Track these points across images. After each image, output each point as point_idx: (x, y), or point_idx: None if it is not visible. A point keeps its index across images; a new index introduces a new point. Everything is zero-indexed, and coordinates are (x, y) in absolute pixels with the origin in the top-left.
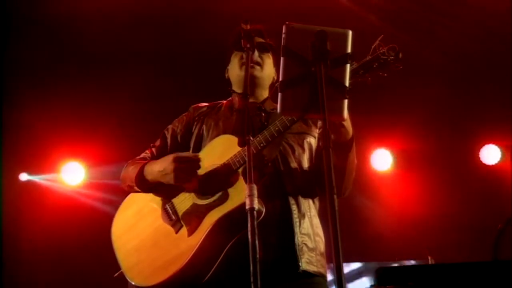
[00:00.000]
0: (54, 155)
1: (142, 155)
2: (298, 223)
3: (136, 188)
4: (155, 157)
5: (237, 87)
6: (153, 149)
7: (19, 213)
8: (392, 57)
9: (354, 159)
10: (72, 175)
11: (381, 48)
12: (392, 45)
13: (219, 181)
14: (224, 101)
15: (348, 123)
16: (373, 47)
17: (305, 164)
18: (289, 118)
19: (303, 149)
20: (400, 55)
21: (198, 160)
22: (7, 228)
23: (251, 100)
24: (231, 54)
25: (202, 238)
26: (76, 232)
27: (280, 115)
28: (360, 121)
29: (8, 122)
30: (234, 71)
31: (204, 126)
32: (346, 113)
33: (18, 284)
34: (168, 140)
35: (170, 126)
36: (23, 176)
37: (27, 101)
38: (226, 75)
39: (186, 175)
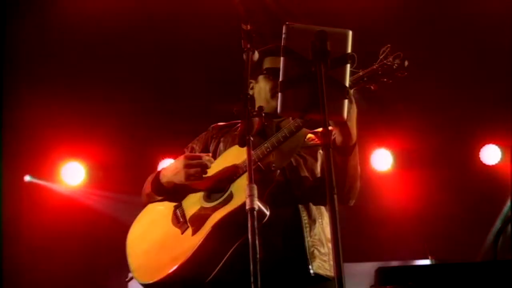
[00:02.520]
0: (54, 155)
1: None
2: (308, 229)
3: (152, 193)
4: None
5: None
6: None
7: (19, 213)
8: (397, 65)
9: (356, 165)
10: (72, 175)
11: (387, 56)
12: (398, 53)
13: (226, 178)
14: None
15: (353, 129)
16: (380, 57)
17: (318, 172)
18: (296, 125)
19: (316, 159)
20: (406, 63)
21: (207, 159)
22: (7, 228)
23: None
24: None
25: (204, 236)
26: (76, 232)
27: (288, 122)
28: (361, 121)
29: (8, 122)
30: (264, 98)
31: (221, 144)
32: (346, 113)
33: (18, 284)
34: None
35: (190, 144)
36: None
37: (27, 101)
38: (251, 91)
39: (196, 171)
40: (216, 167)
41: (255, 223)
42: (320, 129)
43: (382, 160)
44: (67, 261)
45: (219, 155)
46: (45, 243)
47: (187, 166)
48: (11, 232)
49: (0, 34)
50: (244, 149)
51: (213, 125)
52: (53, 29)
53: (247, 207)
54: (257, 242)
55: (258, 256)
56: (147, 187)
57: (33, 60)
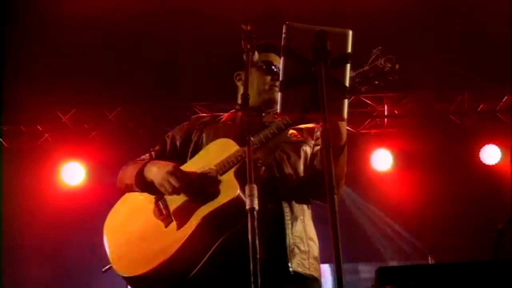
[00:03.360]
0: (55, 155)
1: (141, 157)
2: (290, 225)
3: (134, 185)
4: None
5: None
6: (152, 153)
7: (19, 213)
8: (389, 68)
9: (344, 165)
10: (72, 175)
11: (378, 58)
12: (389, 56)
13: (207, 188)
14: (226, 114)
15: (343, 128)
16: (371, 58)
17: (300, 170)
18: (285, 122)
19: (299, 156)
20: (397, 67)
21: (191, 181)
22: (7, 228)
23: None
24: (243, 58)
25: (190, 232)
26: (76, 232)
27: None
28: (361, 120)
29: (8, 122)
30: (256, 90)
31: (204, 135)
32: (346, 113)
33: (18, 283)
34: (167, 146)
35: (170, 133)
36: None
37: (27, 101)
38: (238, 82)
39: (175, 190)
40: (199, 160)
41: (255, 223)
42: (304, 126)
43: (382, 160)
44: (67, 259)
45: (201, 147)
46: (44, 242)
47: (168, 182)
48: (12, 232)
49: (2, 35)
50: (227, 143)
51: (194, 116)
52: (53, 29)
53: (247, 206)
54: (257, 242)
55: (258, 256)
56: (126, 176)
57: (34, 60)
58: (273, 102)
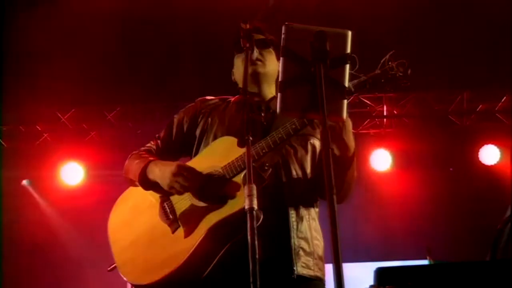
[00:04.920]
0: (54, 155)
1: (147, 145)
2: (295, 227)
3: (137, 183)
4: (159, 149)
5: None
6: (158, 141)
7: (19, 213)
8: (401, 74)
9: (353, 174)
10: (71, 175)
11: (390, 63)
12: (402, 60)
13: (215, 190)
14: (233, 98)
15: (350, 141)
16: (382, 61)
17: (308, 166)
18: (293, 127)
19: (306, 151)
20: (409, 72)
21: (198, 177)
22: (7, 228)
23: (257, 98)
24: (234, 56)
25: (198, 241)
26: (75, 231)
27: (284, 119)
28: (360, 120)
29: (8, 122)
30: (239, 71)
31: (209, 119)
32: (345, 114)
33: (18, 282)
34: (174, 131)
35: (176, 117)
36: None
37: (26, 101)
38: (233, 77)
39: (182, 186)
40: (204, 160)
41: (255, 223)
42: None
43: (381, 160)
44: (67, 259)
45: (207, 133)
46: (44, 242)
47: (174, 182)
48: (11, 232)
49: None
50: (233, 142)
51: (200, 98)
52: (53, 29)
53: (247, 206)
54: (256, 242)
55: (257, 256)
56: (130, 171)
57: (33, 59)
58: (258, 74)
